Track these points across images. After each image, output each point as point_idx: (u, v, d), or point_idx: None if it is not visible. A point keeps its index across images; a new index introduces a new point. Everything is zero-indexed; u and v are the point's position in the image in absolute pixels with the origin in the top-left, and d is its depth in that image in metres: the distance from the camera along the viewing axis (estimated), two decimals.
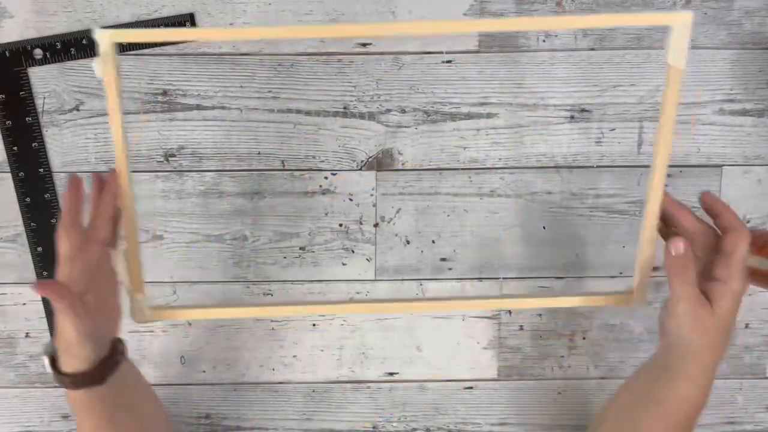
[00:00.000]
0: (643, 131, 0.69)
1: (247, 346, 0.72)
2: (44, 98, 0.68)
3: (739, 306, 0.53)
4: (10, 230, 0.69)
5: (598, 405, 0.74)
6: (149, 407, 0.61)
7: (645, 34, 0.68)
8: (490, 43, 0.68)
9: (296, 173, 0.70)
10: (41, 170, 0.68)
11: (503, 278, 0.71)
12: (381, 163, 0.70)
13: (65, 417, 0.72)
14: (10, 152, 0.68)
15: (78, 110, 0.68)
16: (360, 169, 0.70)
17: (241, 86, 0.68)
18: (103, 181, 0.55)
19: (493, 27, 0.64)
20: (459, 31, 0.66)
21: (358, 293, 0.71)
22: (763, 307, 0.72)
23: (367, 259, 0.71)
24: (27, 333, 0.71)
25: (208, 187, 0.70)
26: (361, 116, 0.69)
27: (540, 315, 0.72)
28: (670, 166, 0.70)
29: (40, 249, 0.69)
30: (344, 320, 0.72)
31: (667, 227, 0.57)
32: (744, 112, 0.70)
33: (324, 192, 0.70)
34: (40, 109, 0.68)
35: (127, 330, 0.71)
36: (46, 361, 0.53)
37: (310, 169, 0.70)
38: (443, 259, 0.71)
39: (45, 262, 0.69)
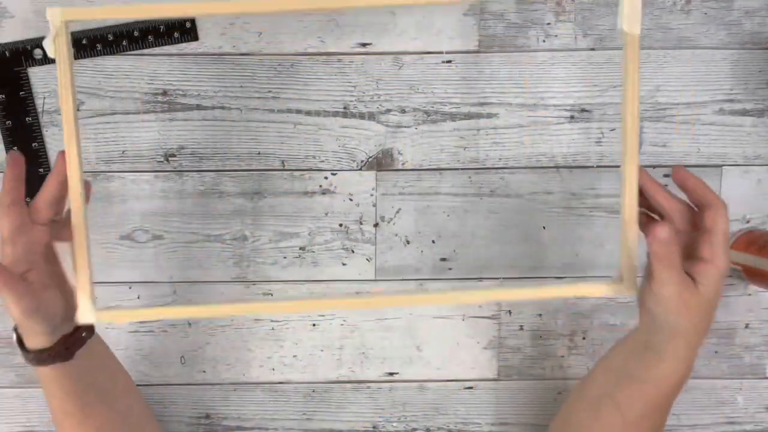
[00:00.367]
0: (643, 131, 0.69)
1: (247, 346, 0.72)
2: (44, 98, 0.68)
3: (724, 282, 0.52)
4: None
5: None
6: (121, 389, 0.62)
7: (645, 34, 0.68)
8: (490, 43, 0.68)
9: (296, 173, 0.70)
10: (41, 170, 0.68)
11: (503, 278, 0.71)
12: (381, 163, 0.70)
13: None
14: None
15: (78, 110, 0.68)
16: (360, 169, 0.70)
17: (241, 86, 0.68)
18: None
19: None
20: (440, 3, 0.63)
21: (357, 293, 0.71)
22: (763, 307, 0.72)
23: (367, 259, 0.71)
24: None
25: (208, 187, 0.70)
26: (361, 116, 0.69)
27: (540, 315, 0.72)
28: (670, 166, 0.70)
29: None
30: (344, 320, 0.72)
31: (646, 215, 0.55)
32: (744, 112, 0.70)
33: (324, 192, 0.70)
34: (40, 109, 0.68)
35: (127, 330, 0.71)
36: (14, 337, 0.54)
37: (310, 169, 0.70)
38: (443, 259, 0.71)
39: None
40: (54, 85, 0.67)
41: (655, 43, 0.68)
